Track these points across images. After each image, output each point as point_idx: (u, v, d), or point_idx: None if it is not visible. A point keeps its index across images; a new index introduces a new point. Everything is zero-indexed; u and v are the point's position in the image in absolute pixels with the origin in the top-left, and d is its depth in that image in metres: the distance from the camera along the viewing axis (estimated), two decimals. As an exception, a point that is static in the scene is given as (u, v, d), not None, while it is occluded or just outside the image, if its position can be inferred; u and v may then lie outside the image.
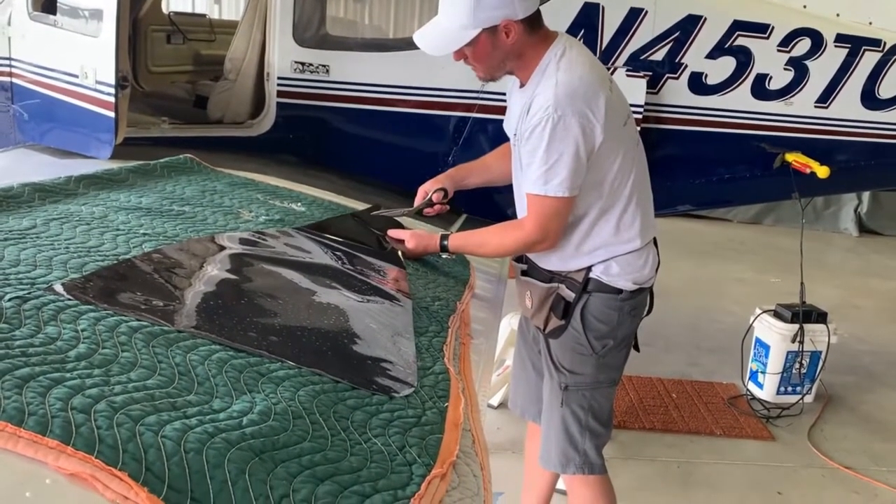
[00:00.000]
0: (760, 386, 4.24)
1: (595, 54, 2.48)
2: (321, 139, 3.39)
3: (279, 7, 3.25)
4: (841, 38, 3.60)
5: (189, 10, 6.36)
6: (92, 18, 2.93)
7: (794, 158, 3.60)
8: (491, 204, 3.06)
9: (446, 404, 1.46)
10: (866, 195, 7.83)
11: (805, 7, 3.67)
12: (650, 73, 3.45)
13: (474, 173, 2.46)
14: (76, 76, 2.98)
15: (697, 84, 3.53)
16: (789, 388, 4.18)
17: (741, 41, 3.50)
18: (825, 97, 3.65)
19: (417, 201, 2.41)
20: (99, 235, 1.86)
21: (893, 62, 3.67)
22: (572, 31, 3.26)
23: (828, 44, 3.58)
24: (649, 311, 2.33)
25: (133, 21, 4.14)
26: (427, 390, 1.50)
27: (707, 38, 3.47)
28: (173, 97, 4.31)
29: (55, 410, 1.06)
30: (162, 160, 2.66)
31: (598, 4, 3.37)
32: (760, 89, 3.57)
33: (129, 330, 1.37)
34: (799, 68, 3.58)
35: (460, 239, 2.25)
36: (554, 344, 2.26)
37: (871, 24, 3.72)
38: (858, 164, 3.83)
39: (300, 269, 1.95)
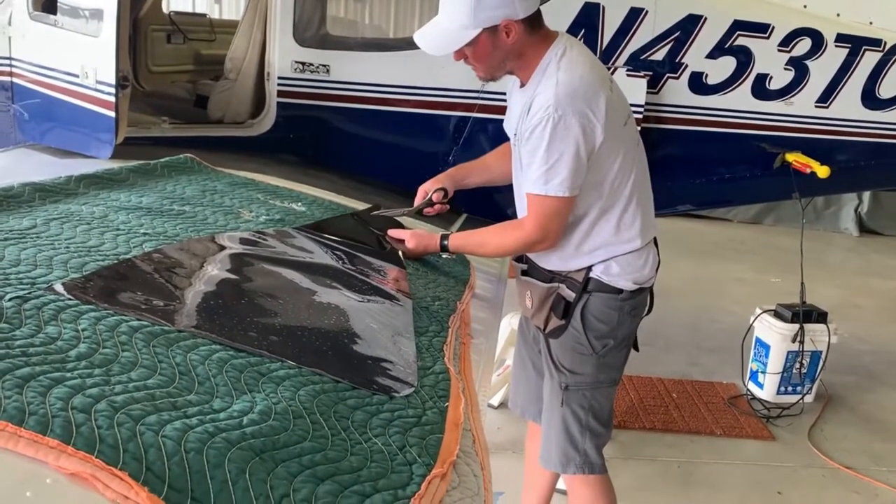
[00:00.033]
0: (761, 386, 4.24)
1: (595, 54, 2.48)
2: (321, 139, 3.39)
3: (279, 7, 3.25)
4: (841, 38, 3.60)
5: (189, 9, 6.36)
6: (92, 18, 2.93)
7: (795, 158, 3.60)
8: (491, 204, 3.06)
9: (446, 404, 1.46)
10: (867, 195, 7.83)
11: (805, 7, 3.67)
12: (650, 73, 3.45)
13: (474, 173, 2.46)
14: (76, 76, 2.98)
15: (698, 84, 3.52)
16: (789, 388, 4.18)
17: (741, 41, 3.50)
18: (825, 97, 3.65)
19: (417, 201, 2.41)
20: (99, 235, 1.86)
21: (894, 62, 3.67)
22: (573, 30, 3.26)
23: (828, 44, 3.58)
24: (649, 311, 2.33)
25: (133, 21, 4.14)
26: (427, 390, 1.50)
27: (707, 37, 3.47)
28: (174, 97, 4.32)
29: (56, 410, 1.06)
30: (162, 160, 2.66)
31: (598, 4, 3.37)
32: (761, 89, 3.57)
33: (130, 329, 1.37)
34: (799, 68, 3.58)
35: (460, 239, 2.25)
36: (554, 344, 2.26)
37: (871, 23, 3.72)
38: (859, 164, 3.83)
39: (300, 268, 1.95)
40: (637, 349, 2.36)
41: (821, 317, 4.14)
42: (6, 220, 1.87)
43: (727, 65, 3.52)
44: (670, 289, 4.59)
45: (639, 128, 2.65)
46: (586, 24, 3.35)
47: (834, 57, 3.60)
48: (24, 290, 1.44)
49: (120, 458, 1.00)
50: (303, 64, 3.29)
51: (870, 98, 3.70)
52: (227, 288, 1.74)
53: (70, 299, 1.44)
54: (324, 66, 3.31)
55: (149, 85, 4.39)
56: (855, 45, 3.62)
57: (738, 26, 3.48)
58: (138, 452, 1.02)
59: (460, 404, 1.48)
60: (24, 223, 1.86)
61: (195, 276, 1.76)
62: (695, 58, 3.48)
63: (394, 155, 3.47)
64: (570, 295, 2.19)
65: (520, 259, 2.33)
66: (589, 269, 2.17)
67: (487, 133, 3.35)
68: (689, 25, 3.45)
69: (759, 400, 4.19)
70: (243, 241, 2.05)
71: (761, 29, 3.51)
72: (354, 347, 1.60)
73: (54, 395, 1.10)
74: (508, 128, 2.22)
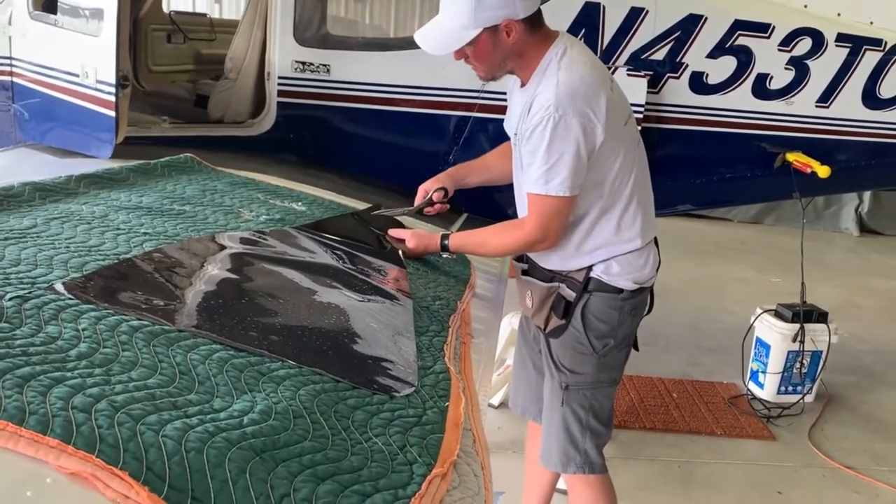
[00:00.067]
0: (761, 385, 4.24)
1: (596, 54, 2.48)
2: (322, 139, 3.39)
3: (280, 6, 3.25)
4: (842, 38, 3.60)
5: (190, 9, 6.35)
6: (92, 18, 2.93)
7: (795, 158, 3.60)
8: (491, 203, 3.06)
9: (447, 404, 1.46)
10: (867, 195, 7.82)
11: (806, 6, 3.67)
12: (651, 73, 3.44)
13: (475, 172, 2.46)
14: (77, 75, 2.98)
15: (698, 83, 3.52)
16: (790, 388, 4.18)
17: (742, 41, 3.49)
18: (826, 97, 3.65)
19: (418, 200, 2.41)
20: (100, 235, 1.86)
21: (894, 62, 3.67)
22: (573, 30, 3.26)
23: (829, 43, 3.58)
24: (650, 311, 2.33)
25: (134, 20, 4.14)
26: (428, 390, 1.50)
27: (708, 37, 3.47)
28: (174, 96, 4.31)
29: (56, 409, 1.06)
30: (162, 159, 2.66)
31: (598, 4, 3.37)
32: (761, 89, 3.57)
33: (130, 329, 1.37)
34: (800, 68, 3.58)
35: (461, 238, 2.25)
36: (554, 343, 2.26)
37: (872, 23, 3.72)
38: (859, 164, 3.83)
39: (301, 268, 1.95)
40: (637, 349, 2.36)
41: (821, 317, 4.14)
42: (6, 220, 1.87)
43: (728, 64, 3.52)
44: (671, 288, 4.59)
45: (639, 127, 2.64)
46: (587, 24, 3.35)
47: (834, 57, 3.60)
48: (24, 289, 1.43)
49: (120, 458, 1.00)
50: (303, 63, 3.29)
51: (870, 98, 3.69)
52: (227, 287, 1.74)
53: (70, 299, 1.44)
54: (324, 65, 3.31)
55: (149, 84, 4.39)
56: (855, 44, 3.61)
57: (739, 26, 3.48)
58: (139, 452, 1.02)
59: (461, 404, 1.48)
60: (24, 223, 1.86)
61: (195, 275, 1.76)
62: (695, 57, 3.48)
63: (394, 155, 3.47)
64: (570, 294, 2.19)
65: (520, 259, 2.33)
66: (589, 268, 2.17)
67: (488, 133, 3.35)
68: (690, 25, 3.45)
69: (760, 400, 4.19)
70: (243, 241, 2.05)
71: (762, 29, 3.51)
72: (355, 347, 1.60)
73: (55, 394, 1.10)
74: (509, 127, 2.22)
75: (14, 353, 1.19)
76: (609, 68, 3.09)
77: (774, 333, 4.15)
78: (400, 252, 2.28)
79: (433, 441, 1.31)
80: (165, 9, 4.87)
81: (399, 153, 3.49)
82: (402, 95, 3.38)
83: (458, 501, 1.21)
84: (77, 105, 3.00)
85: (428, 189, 2.39)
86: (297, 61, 3.29)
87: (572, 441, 2.28)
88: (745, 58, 3.52)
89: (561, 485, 2.68)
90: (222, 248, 1.98)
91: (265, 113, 3.35)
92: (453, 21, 1.98)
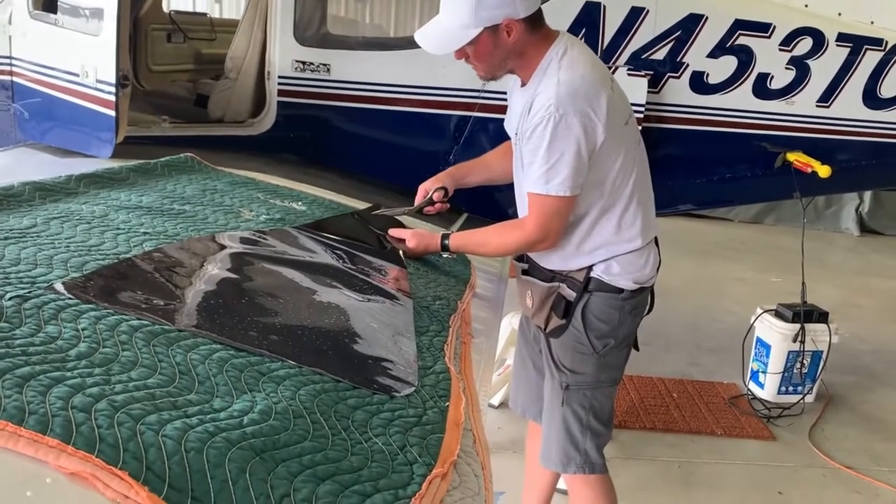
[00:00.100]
0: (761, 386, 4.23)
1: (596, 53, 2.47)
2: (322, 138, 3.39)
3: (280, 6, 3.25)
4: (842, 38, 3.59)
5: (190, 8, 6.36)
6: (92, 17, 2.93)
7: (796, 158, 3.59)
8: (492, 203, 3.06)
9: (447, 404, 1.46)
10: (867, 195, 7.82)
11: (806, 6, 3.67)
12: (651, 73, 3.44)
13: (475, 172, 2.46)
14: (77, 75, 2.98)
15: (699, 83, 3.52)
16: (790, 388, 4.18)
17: (742, 40, 3.49)
18: (827, 96, 3.64)
19: (418, 200, 2.41)
20: (99, 234, 1.86)
21: (895, 61, 3.67)
22: (573, 30, 3.26)
23: (829, 43, 3.57)
24: (650, 311, 2.33)
25: (134, 20, 4.14)
26: (428, 390, 1.50)
27: (708, 37, 3.47)
28: (174, 96, 4.31)
29: (56, 409, 1.06)
30: (162, 159, 2.66)
31: (599, 3, 3.36)
32: (762, 89, 3.57)
33: (130, 329, 1.36)
34: (800, 67, 3.58)
35: (461, 238, 2.25)
36: (555, 343, 2.26)
37: (872, 23, 3.72)
38: (860, 164, 3.82)
39: (301, 268, 1.95)
40: (637, 349, 2.36)
41: (822, 316, 4.14)
42: (6, 219, 1.86)
43: (728, 64, 3.52)
44: (671, 288, 4.59)
45: (640, 127, 2.64)
46: (587, 24, 3.35)
47: (835, 56, 3.60)
48: (24, 289, 1.43)
49: (120, 458, 1.00)
50: (303, 63, 3.29)
51: (871, 97, 3.69)
52: (227, 287, 1.74)
53: (70, 298, 1.43)
54: (324, 65, 3.30)
55: (149, 84, 4.38)
56: (856, 44, 3.61)
57: (739, 25, 3.48)
58: (138, 452, 1.02)
59: (461, 404, 1.47)
60: (24, 222, 1.86)
61: (195, 275, 1.75)
62: (696, 57, 3.48)
63: (394, 154, 3.47)
64: (570, 294, 2.19)
65: (520, 258, 2.33)
66: (590, 268, 2.17)
67: (488, 132, 3.35)
68: (690, 25, 3.44)
69: (760, 400, 4.19)
70: (244, 241, 2.05)
71: (762, 28, 3.51)
72: (355, 347, 1.60)
73: (54, 394, 1.09)
74: (509, 127, 2.21)
75: (14, 352, 1.19)
76: (609, 68, 3.08)
77: (775, 333, 4.15)
78: (400, 252, 2.28)
79: (433, 441, 1.31)
80: (165, 8, 4.87)
81: (399, 153, 3.49)
82: (402, 95, 3.38)
83: (459, 501, 1.21)
84: (77, 105, 3.00)
85: (428, 188, 2.39)
86: (297, 61, 3.29)
87: (572, 441, 2.27)
88: (745, 57, 3.52)
89: (561, 485, 2.68)
90: (222, 247, 1.98)
91: (265, 112, 3.35)
92: (454, 20, 1.98)
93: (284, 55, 3.28)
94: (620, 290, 2.18)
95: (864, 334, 5.13)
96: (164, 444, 1.05)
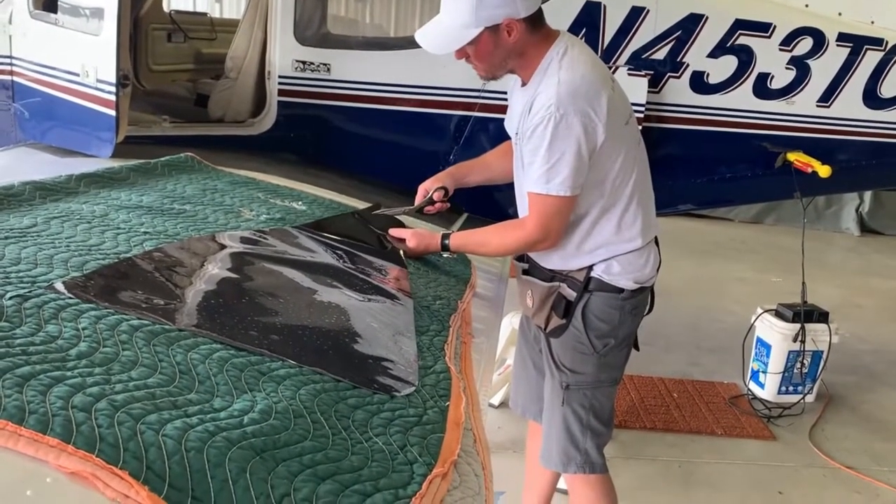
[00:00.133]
0: (762, 385, 4.23)
1: (596, 53, 2.48)
2: (322, 138, 3.39)
3: (280, 5, 3.25)
4: (843, 38, 3.59)
5: (190, 8, 6.36)
6: (93, 17, 2.93)
7: (796, 158, 3.59)
8: (492, 203, 3.06)
9: (447, 403, 1.46)
10: (868, 195, 7.82)
11: (807, 6, 3.67)
12: (652, 72, 3.44)
13: (475, 171, 2.46)
14: (77, 74, 2.98)
15: (699, 83, 3.52)
16: (790, 388, 4.18)
17: (743, 40, 3.49)
18: (827, 96, 3.64)
19: (418, 200, 2.41)
20: (100, 234, 1.86)
21: (895, 61, 3.67)
22: (574, 29, 3.26)
23: (830, 43, 3.57)
24: (650, 311, 2.33)
25: (134, 19, 4.14)
26: (428, 389, 1.49)
27: (709, 37, 3.47)
28: (174, 96, 4.31)
29: (56, 409, 1.06)
30: (163, 159, 2.66)
31: (599, 3, 3.36)
32: (762, 88, 3.57)
33: (130, 328, 1.36)
34: (801, 67, 3.58)
35: (461, 238, 2.25)
36: (555, 343, 2.26)
37: (873, 23, 3.72)
38: (860, 164, 3.82)
39: (301, 267, 1.95)
40: (637, 348, 2.36)
41: (822, 316, 4.14)
42: (7, 219, 1.86)
43: (728, 64, 3.52)
44: (671, 288, 4.58)
45: (640, 127, 2.64)
46: (587, 23, 3.35)
47: (835, 56, 3.60)
48: (24, 288, 1.43)
49: (120, 457, 1.00)
50: (303, 63, 3.29)
51: (871, 97, 3.69)
52: (227, 287, 1.74)
53: (70, 298, 1.43)
54: (324, 64, 3.30)
55: (149, 84, 4.38)
56: (856, 44, 3.61)
57: (740, 25, 3.48)
58: (139, 451, 1.02)
59: (461, 403, 1.47)
60: (24, 222, 1.86)
61: (196, 275, 1.75)
62: (696, 57, 3.48)
63: (394, 154, 3.47)
64: (571, 294, 2.19)
65: (521, 258, 2.33)
66: (590, 268, 2.17)
67: (488, 132, 3.35)
68: (691, 25, 3.44)
69: (760, 400, 4.19)
70: (244, 240, 2.05)
71: (763, 28, 3.51)
72: (355, 346, 1.59)
73: (54, 393, 1.09)
74: (510, 127, 2.21)
75: (14, 352, 1.19)
76: (610, 68, 3.08)
77: (775, 333, 4.15)
78: (400, 251, 2.28)
79: (434, 441, 1.31)
80: (166, 8, 4.87)
81: (399, 152, 3.49)
82: (402, 95, 3.38)
83: (459, 501, 1.21)
84: (77, 104, 3.00)
85: (428, 188, 2.39)
86: (297, 60, 3.29)
87: (573, 441, 2.27)
88: (745, 57, 3.52)
89: (561, 485, 2.68)
90: (222, 247, 1.98)
91: (265, 112, 3.35)
92: (454, 20, 1.98)
93: (285, 55, 3.28)
94: (621, 290, 2.18)
95: (865, 334, 5.13)
96: (164, 443, 1.05)
